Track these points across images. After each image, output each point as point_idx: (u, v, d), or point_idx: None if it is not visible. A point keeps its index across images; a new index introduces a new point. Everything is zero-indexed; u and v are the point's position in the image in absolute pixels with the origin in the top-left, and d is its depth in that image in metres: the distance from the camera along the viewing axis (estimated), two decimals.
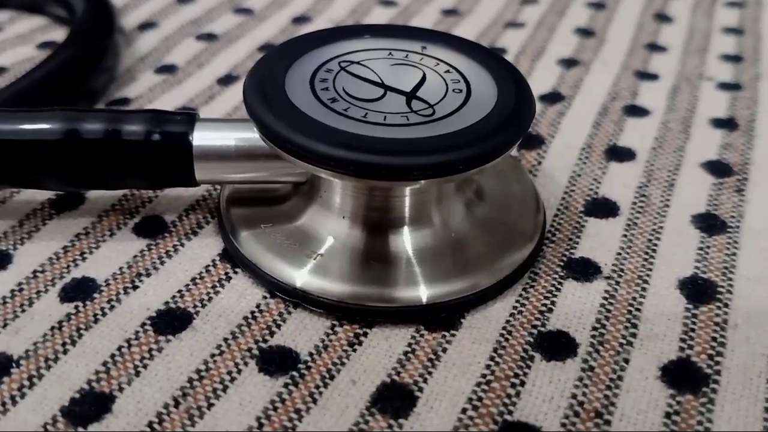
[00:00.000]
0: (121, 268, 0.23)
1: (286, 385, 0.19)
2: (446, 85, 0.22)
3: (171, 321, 0.21)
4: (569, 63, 0.34)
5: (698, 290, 0.22)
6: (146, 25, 0.37)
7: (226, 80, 0.33)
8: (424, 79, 0.23)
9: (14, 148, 0.22)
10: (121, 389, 0.19)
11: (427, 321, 0.21)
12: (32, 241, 0.24)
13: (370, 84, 0.22)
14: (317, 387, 0.19)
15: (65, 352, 0.20)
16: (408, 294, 0.21)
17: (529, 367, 0.20)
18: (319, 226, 0.22)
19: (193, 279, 0.22)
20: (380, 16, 0.38)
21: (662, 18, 0.39)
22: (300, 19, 0.38)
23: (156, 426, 0.18)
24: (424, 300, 0.21)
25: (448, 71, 0.23)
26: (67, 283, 0.22)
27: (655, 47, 0.36)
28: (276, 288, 0.22)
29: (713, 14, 0.39)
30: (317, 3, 0.40)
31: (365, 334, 0.21)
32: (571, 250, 0.24)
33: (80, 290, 0.22)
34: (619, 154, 0.28)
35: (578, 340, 0.20)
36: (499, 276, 0.22)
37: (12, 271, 0.23)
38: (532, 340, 0.21)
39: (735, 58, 0.35)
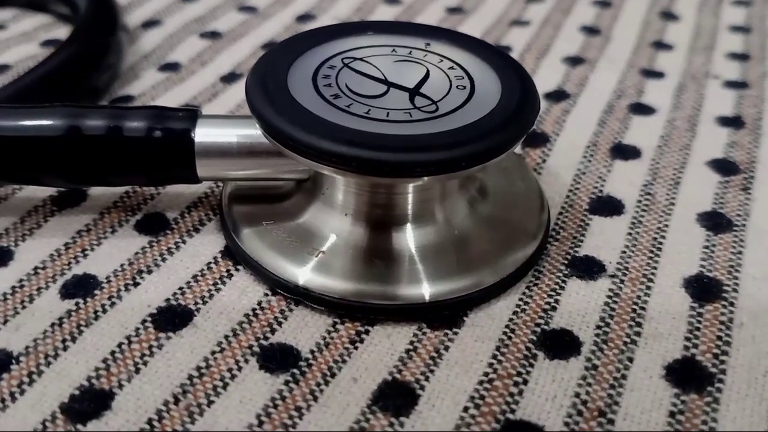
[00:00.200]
0: (122, 265, 0.23)
1: (286, 383, 0.19)
2: (450, 81, 0.22)
3: (172, 318, 0.21)
4: (575, 61, 0.34)
5: (704, 289, 0.22)
6: (150, 23, 0.37)
7: (230, 78, 0.33)
8: (427, 75, 0.22)
9: (16, 144, 0.22)
10: (120, 386, 0.19)
11: (430, 319, 0.21)
12: (33, 238, 0.24)
13: (373, 80, 0.22)
14: (318, 385, 0.19)
15: (65, 348, 0.20)
16: (410, 292, 0.21)
17: (532, 365, 0.20)
18: (322, 224, 0.22)
19: (195, 276, 0.22)
20: (385, 13, 0.38)
21: (668, 16, 0.38)
22: (304, 17, 0.38)
23: (155, 423, 0.18)
24: (427, 298, 0.21)
25: (451, 68, 0.23)
26: (68, 279, 0.22)
27: (661, 45, 0.35)
28: (278, 285, 0.22)
29: (720, 12, 0.39)
30: (322, 1, 0.39)
31: (367, 332, 0.21)
32: (576, 249, 0.23)
33: (81, 287, 0.22)
34: (625, 152, 0.28)
35: (582, 339, 0.20)
36: (503, 274, 0.22)
37: (13, 268, 0.22)
38: (535, 338, 0.20)
39: (742, 57, 0.34)
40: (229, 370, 0.19)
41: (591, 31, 0.37)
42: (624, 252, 0.23)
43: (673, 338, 0.20)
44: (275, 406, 0.18)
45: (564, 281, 0.22)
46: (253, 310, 0.21)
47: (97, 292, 0.22)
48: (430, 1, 0.40)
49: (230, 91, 0.32)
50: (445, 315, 0.21)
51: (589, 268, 0.23)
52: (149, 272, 0.22)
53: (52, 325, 0.21)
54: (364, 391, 0.19)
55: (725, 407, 0.18)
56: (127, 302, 0.21)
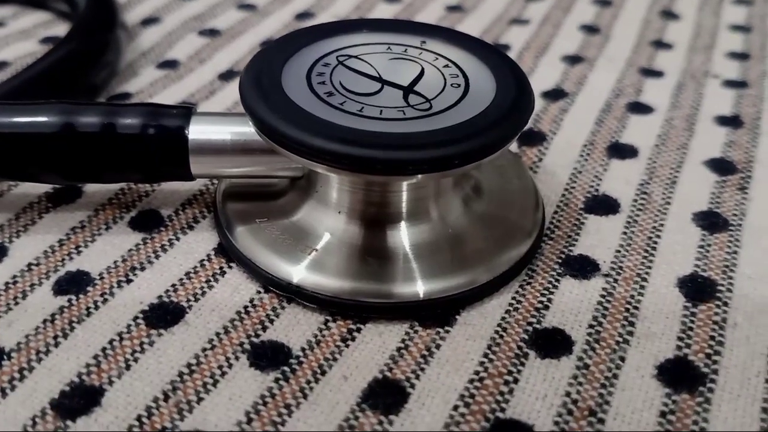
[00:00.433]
0: (115, 262, 0.23)
1: (276, 380, 0.19)
2: (444, 79, 0.22)
3: (163, 315, 0.21)
4: (573, 60, 0.34)
5: (698, 288, 0.22)
6: (149, 21, 0.37)
7: (228, 75, 0.33)
8: (422, 73, 0.22)
9: (10, 140, 0.22)
10: (111, 383, 0.19)
11: (422, 317, 0.21)
12: (28, 234, 0.24)
13: (368, 78, 0.22)
14: (308, 382, 0.19)
15: (57, 345, 0.20)
16: (404, 290, 0.21)
17: (523, 364, 0.19)
18: (315, 221, 0.22)
19: (188, 273, 0.22)
20: (384, 11, 0.38)
21: (669, 15, 0.38)
22: (303, 15, 0.38)
23: (145, 420, 0.18)
24: (421, 296, 0.21)
25: (446, 66, 0.23)
26: (61, 276, 0.22)
27: (660, 44, 0.35)
28: (270, 283, 0.22)
29: (720, 11, 0.39)
30: None
31: (358, 330, 0.21)
32: (570, 248, 0.23)
33: (74, 283, 0.22)
34: (622, 151, 0.28)
35: (574, 338, 0.20)
36: (496, 272, 0.22)
37: (7, 264, 0.22)
38: (527, 337, 0.20)
39: (742, 56, 0.34)
40: (220, 367, 0.19)
41: (590, 29, 0.37)
42: (618, 251, 0.23)
43: (666, 338, 0.20)
44: (264, 404, 0.18)
45: (557, 280, 0.22)
46: (245, 307, 0.21)
47: (89, 288, 0.22)
48: None
49: (228, 89, 0.32)
50: (438, 313, 0.21)
51: (583, 267, 0.22)
52: (142, 269, 0.22)
53: (44, 321, 0.21)
54: (354, 389, 0.19)
55: (717, 407, 0.18)
56: (119, 299, 0.21)
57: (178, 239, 0.23)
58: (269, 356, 0.20)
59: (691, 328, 0.20)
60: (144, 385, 0.19)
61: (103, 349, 0.20)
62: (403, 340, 0.20)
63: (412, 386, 0.19)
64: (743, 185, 0.26)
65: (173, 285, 0.22)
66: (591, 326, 0.21)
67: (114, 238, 0.24)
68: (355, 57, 0.23)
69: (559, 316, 0.21)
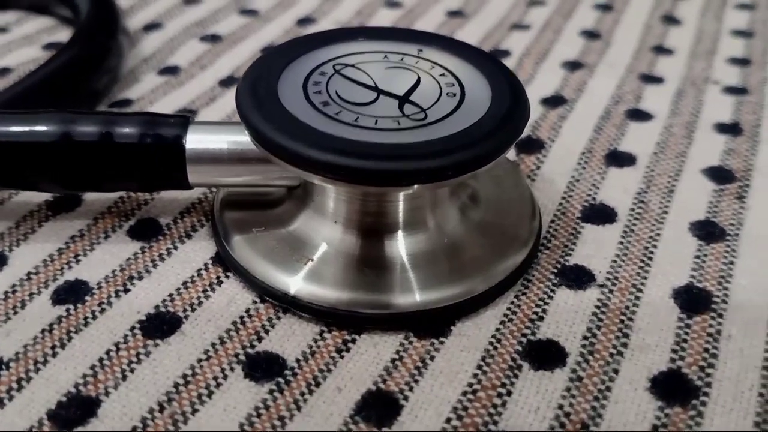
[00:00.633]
0: (113, 271, 0.23)
1: (271, 392, 0.19)
2: (440, 88, 0.22)
3: (160, 325, 0.21)
4: (574, 66, 0.34)
5: (693, 300, 0.22)
6: (151, 26, 0.37)
7: (228, 82, 0.33)
8: (418, 82, 0.22)
9: (10, 150, 0.22)
10: (107, 393, 0.19)
11: (417, 328, 0.21)
12: (28, 243, 0.24)
13: (364, 87, 0.22)
14: (302, 394, 0.19)
15: (54, 355, 0.20)
16: (400, 300, 0.21)
17: (516, 376, 0.20)
18: (312, 231, 0.22)
19: (185, 283, 0.22)
20: (385, 17, 0.38)
21: (670, 20, 0.38)
22: (305, 21, 0.38)
23: (140, 431, 0.18)
24: (416, 306, 0.21)
25: (442, 75, 0.23)
26: (59, 285, 0.22)
27: (661, 50, 0.35)
28: (266, 293, 0.22)
29: (723, 16, 0.39)
30: (323, 4, 0.40)
31: (353, 341, 0.21)
32: (566, 257, 0.23)
33: (72, 293, 0.22)
34: (620, 159, 0.28)
35: (568, 350, 0.20)
36: (492, 282, 0.22)
37: (6, 273, 0.23)
38: (521, 348, 0.20)
39: (743, 62, 0.34)
40: (215, 378, 0.19)
41: (591, 35, 0.36)
42: (615, 261, 0.23)
43: (659, 350, 0.20)
44: (259, 415, 0.19)
45: (553, 290, 0.22)
46: (241, 317, 0.21)
47: (87, 298, 0.22)
48: (431, 4, 0.40)
49: (228, 96, 0.32)
50: (433, 324, 0.21)
51: (578, 278, 0.22)
52: (140, 278, 0.23)
53: (43, 331, 0.21)
54: (348, 401, 0.19)
55: (709, 421, 0.18)
56: (116, 308, 0.21)
57: (176, 248, 0.24)
58: (264, 367, 0.20)
59: (685, 340, 0.20)
60: (140, 396, 0.19)
61: (100, 360, 0.20)
62: (397, 351, 0.20)
63: (406, 398, 0.19)
64: (741, 194, 0.26)
65: (170, 295, 0.22)
66: (585, 338, 0.21)
67: (112, 246, 0.24)
68: (352, 66, 0.23)
69: (553, 327, 0.21)
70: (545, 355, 0.20)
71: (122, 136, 0.22)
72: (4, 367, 0.20)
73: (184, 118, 0.23)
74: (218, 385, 0.19)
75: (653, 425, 0.18)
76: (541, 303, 0.22)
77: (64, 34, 0.37)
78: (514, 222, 0.24)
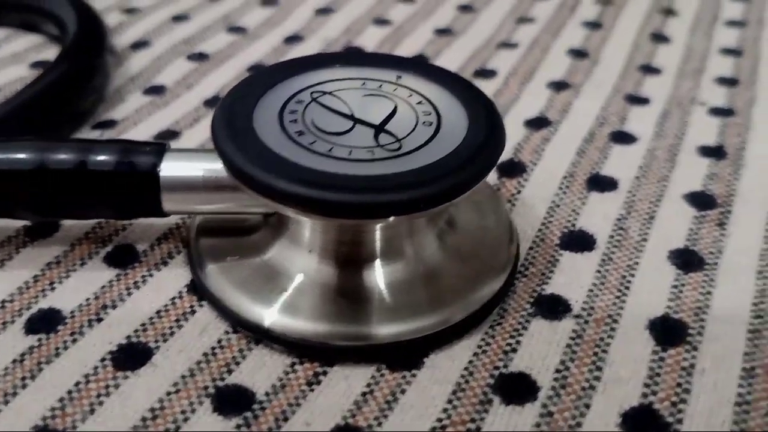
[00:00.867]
0: (87, 299, 0.23)
1: (238, 426, 0.19)
2: (417, 117, 0.22)
3: (131, 356, 0.21)
4: (559, 86, 0.34)
5: (668, 331, 0.21)
6: (139, 44, 0.37)
7: (213, 102, 0.33)
8: (395, 111, 0.22)
9: None
10: (74, 427, 0.19)
11: (390, 360, 0.21)
12: (4, 270, 0.24)
13: (340, 116, 0.22)
14: (270, 429, 0.19)
15: (24, 387, 0.20)
16: (374, 331, 0.21)
17: (486, 411, 0.19)
18: (287, 261, 0.22)
19: (158, 312, 0.22)
20: (374, 35, 0.38)
21: (659, 38, 0.38)
22: (293, 39, 0.38)
23: None
24: (390, 338, 0.21)
25: (420, 103, 0.23)
26: (33, 314, 0.22)
27: (649, 69, 0.35)
28: (240, 324, 0.22)
29: (713, 34, 0.38)
30: (311, 22, 0.39)
31: (325, 373, 0.21)
32: (543, 286, 0.23)
33: (45, 322, 0.22)
34: (601, 183, 0.27)
35: (539, 383, 0.20)
36: (468, 311, 0.22)
37: None
38: (492, 382, 0.20)
39: (731, 81, 0.34)
40: (183, 412, 0.19)
41: (579, 54, 0.36)
42: (591, 290, 0.23)
43: (632, 384, 0.20)
44: None
45: (528, 321, 0.22)
46: (213, 348, 0.21)
47: (60, 327, 0.22)
48: (420, 21, 0.39)
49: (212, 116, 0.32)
50: (407, 355, 0.21)
51: (554, 308, 0.22)
52: (114, 307, 0.22)
53: (14, 361, 0.21)
54: None
55: None
56: (88, 339, 0.21)
57: (151, 275, 0.24)
58: (233, 401, 0.20)
59: (658, 374, 0.20)
60: (107, 430, 0.19)
61: (69, 392, 0.20)
62: (368, 384, 0.20)
63: None
64: (722, 221, 0.26)
65: (143, 324, 0.22)
66: (558, 370, 0.20)
67: (88, 274, 0.24)
68: (329, 93, 0.23)
69: (526, 360, 0.21)
70: (516, 388, 0.20)
71: (97, 163, 0.22)
72: None
73: (161, 146, 0.23)
74: (186, 419, 0.19)
75: None
76: (515, 334, 0.22)
77: (51, 52, 0.37)
78: (492, 249, 0.24)
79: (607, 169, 0.28)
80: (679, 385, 0.20)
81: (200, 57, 0.36)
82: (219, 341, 0.21)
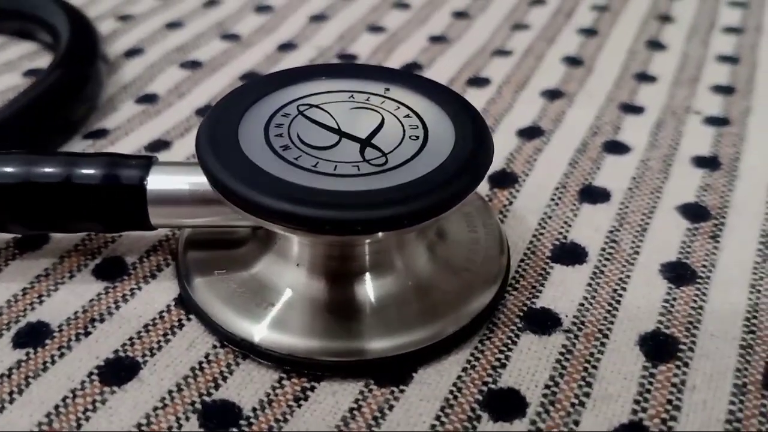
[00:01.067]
0: (76, 313, 0.23)
1: None
2: (403, 131, 0.22)
3: (118, 371, 0.21)
4: (553, 94, 0.33)
5: (659, 347, 0.21)
6: (132, 52, 0.37)
7: (204, 111, 0.33)
8: (381, 124, 0.22)
9: None
10: None
11: (378, 375, 0.21)
12: None
13: (326, 130, 0.22)
14: None
15: (12, 401, 0.20)
16: (362, 346, 0.21)
17: (475, 428, 0.19)
18: (275, 276, 0.22)
19: (146, 326, 0.22)
20: (368, 42, 0.38)
21: (655, 45, 0.38)
22: (286, 46, 0.38)
23: None
24: (379, 353, 0.21)
25: (407, 116, 0.22)
26: (21, 327, 0.22)
27: (644, 77, 0.35)
28: (226, 339, 0.21)
29: (710, 41, 0.38)
30: (305, 29, 0.39)
31: (312, 389, 0.20)
32: (533, 299, 0.23)
33: (33, 336, 0.22)
34: (594, 194, 0.27)
35: (528, 399, 0.20)
36: (458, 325, 0.22)
37: None
38: (481, 398, 0.20)
39: (727, 90, 0.34)
40: (169, 428, 0.19)
41: (573, 61, 0.36)
42: (582, 305, 0.23)
43: (622, 400, 0.20)
44: None
45: (518, 335, 0.22)
46: (200, 363, 0.21)
47: (48, 341, 0.22)
48: (414, 29, 0.39)
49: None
50: (395, 371, 0.21)
51: (543, 322, 0.22)
52: (102, 321, 0.22)
53: (2, 375, 0.21)
54: None
55: None
56: (76, 353, 0.21)
57: (140, 288, 0.23)
58: (220, 416, 0.20)
59: (648, 390, 0.20)
60: None
61: (56, 407, 0.20)
62: (356, 400, 0.20)
63: None
64: (715, 233, 0.25)
65: (131, 338, 0.22)
66: (547, 386, 0.20)
67: (77, 287, 0.24)
68: (316, 106, 0.23)
69: (515, 375, 0.21)
70: (505, 405, 0.20)
71: (83, 177, 0.22)
72: None
73: (148, 159, 0.23)
74: None
75: None
76: (504, 349, 0.21)
77: (45, 60, 0.37)
78: (483, 262, 0.24)
79: (600, 180, 0.28)
80: (669, 402, 0.20)
81: (193, 65, 0.36)
82: (206, 356, 0.21)
